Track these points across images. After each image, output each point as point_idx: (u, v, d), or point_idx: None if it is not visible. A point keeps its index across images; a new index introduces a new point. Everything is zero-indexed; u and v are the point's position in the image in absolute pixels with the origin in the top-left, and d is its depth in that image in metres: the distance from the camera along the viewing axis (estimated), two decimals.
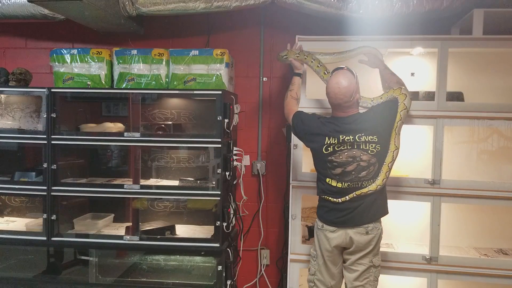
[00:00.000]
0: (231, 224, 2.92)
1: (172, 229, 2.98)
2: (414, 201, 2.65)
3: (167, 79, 2.93)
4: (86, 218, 3.16)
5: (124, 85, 2.92)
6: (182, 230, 3.06)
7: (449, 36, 2.83)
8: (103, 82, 2.94)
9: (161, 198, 3.15)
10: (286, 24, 3.24)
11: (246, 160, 3.31)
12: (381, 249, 2.53)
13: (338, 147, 2.15)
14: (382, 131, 2.15)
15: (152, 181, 3.12)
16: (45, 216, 2.87)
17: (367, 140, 2.12)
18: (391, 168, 2.19)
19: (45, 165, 2.85)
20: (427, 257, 2.60)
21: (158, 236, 2.89)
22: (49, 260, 3.07)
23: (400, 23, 2.85)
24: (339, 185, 2.18)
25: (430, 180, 2.58)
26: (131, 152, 2.97)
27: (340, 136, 2.14)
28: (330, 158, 2.17)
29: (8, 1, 3.00)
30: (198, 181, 3.02)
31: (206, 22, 3.30)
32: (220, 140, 2.75)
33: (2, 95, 3.16)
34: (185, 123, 3.19)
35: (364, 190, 2.15)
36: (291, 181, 2.72)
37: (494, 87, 2.87)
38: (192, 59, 2.87)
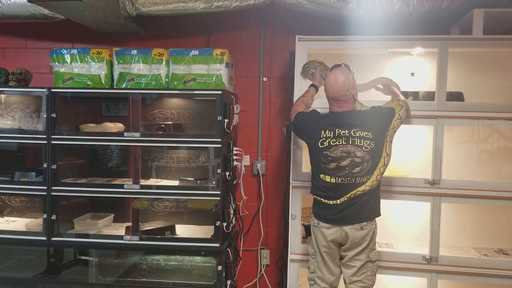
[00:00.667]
0: (231, 224, 2.92)
1: (172, 229, 2.98)
2: (414, 201, 2.65)
3: (167, 79, 2.93)
4: (86, 218, 3.16)
5: (124, 85, 2.92)
6: (182, 230, 3.06)
7: (449, 36, 2.83)
8: (103, 82, 2.94)
9: (161, 198, 3.15)
10: (286, 24, 3.24)
11: (246, 160, 3.31)
12: (381, 249, 2.54)
13: (333, 142, 2.21)
14: (377, 129, 2.21)
15: (152, 181, 3.12)
16: (45, 216, 2.87)
17: (361, 135, 2.18)
18: (383, 172, 2.23)
19: (45, 165, 2.85)
20: (427, 257, 2.60)
21: (158, 236, 2.89)
22: (49, 260, 3.07)
23: (400, 23, 2.84)
24: (333, 180, 2.21)
25: (430, 180, 2.58)
26: (131, 152, 2.97)
27: (336, 129, 2.21)
28: (325, 152, 2.22)
29: (8, 1, 3.00)
30: (198, 181, 3.02)
31: (206, 22, 3.30)
32: (220, 140, 2.75)
33: (2, 95, 3.16)
34: (185, 123, 3.19)
35: (353, 192, 2.19)
36: (291, 181, 2.72)
37: (494, 87, 2.87)
38: (192, 59, 2.87)
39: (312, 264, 2.39)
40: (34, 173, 3.01)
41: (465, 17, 2.73)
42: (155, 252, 3.01)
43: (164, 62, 2.90)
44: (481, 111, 2.56)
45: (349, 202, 2.21)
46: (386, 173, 2.67)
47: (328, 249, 2.29)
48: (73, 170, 3.11)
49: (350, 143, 2.19)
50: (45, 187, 2.86)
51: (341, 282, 2.37)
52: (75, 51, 2.95)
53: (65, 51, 2.96)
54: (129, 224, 2.98)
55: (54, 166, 2.85)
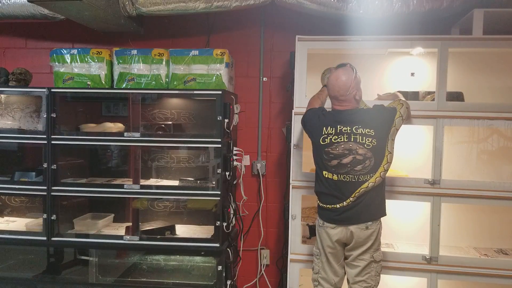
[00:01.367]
0: (231, 224, 2.92)
1: (172, 229, 2.98)
2: (414, 201, 2.65)
3: (167, 79, 2.93)
4: (86, 218, 3.16)
5: (124, 85, 2.92)
6: (182, 230, 3.06)
7: (449, 36, 2.82)
8: (103, 82, 2.94)
9: (161, 198, 3.15)
10: (286, 24, 3.24)
11: (246, 160, 3.31)
12: (381, 249, 2.53)
13: (335, 139, 2.21)
14: (379, 126, 2.21)
15: (152, 181, 3.11)
16: (45, 216, 2.87)
17: (363, 132, 2.18)
18: (387, 169, 2.23)
19: (45, 165, 2.85)
20: (427, 257, 2.60)
21: (158, 236, 2.89)
22: (49, 260, 3.07)
23: (400, 23, 2.84)
24: (335, 177, 2.22)
25: (430, 180, 2.58)
26: (131, 152, 2.97)
27: (338, 126, 2.22)
28: (327, 149, 2.23)
29: (8, 1, 3.00)
30: (198, 181, 3.02)
31: (206, 22, 3.30)
32: (220, 140, 2.75)
33: (2, 95, 3.16)
34: (185, 123, 3.19)
35: (358, 191, 2.19)
36: (291, 181, 2.72)
37: (494, 87, 2.87)
38: (192, 59, 2.87)
39: (316, 264, 2.39)
40: (34, 173, 3.01)
41: (465, 17, 2.72)
42: (155, 252, 3.01)
43: (164, 62, 2.90)
44: (481, 111, 2.56)
45: (354, 202, 2.21)
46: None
47: (333, 249, 2.28)
48: (73, 170, 3.11)
49: (352, 140, 2.19)
50: (45, 187, 2.86)
51: (345, 282, 2.37)
52: (75, 51, 2.95)
53: (65, 51, 2.96)
54: (129, 224, 2.98)
55: (54, 166, 2.85)
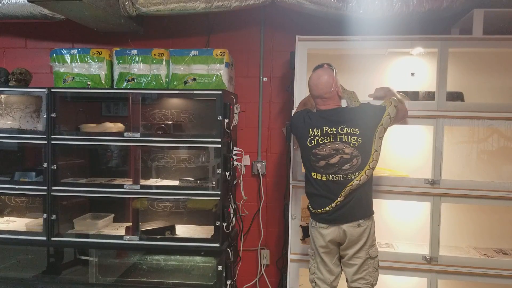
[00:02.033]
0: (231, 224, 2.92)
1: (172, 229, 2.97)
2: (414, 201, 2.65)
3: (167, 79, 2.93)
4: (86, 218, 3.16)
5: (124, 85, 2.92)
6: (182, 230, 3.06)
7: (449, 36, 2.82)
8: (103, 82, 2.94)
9: (161, 198, 3.15)
10: (286, 24, 3.24)
11: (246, 160, 3.31)
12: (381, 249, 2.54)
13: (321, 140, 2.23)
14: (364, 125, 2.22)
15: (152, 181, 3.11)
16: (45, 216, 2.87)
17: (349, 132, 2.20)
18: (373, 167, 2.22)
19: (45, 165, 2.85)
20: (427, 257, 2.60)
21: (158, 236, 2.88)
22: (49, 260, 3.07)
23: (400, 23, 2.84)
24: (324, 178, 2.23)
25: (430, 180, 2.58)
26: (131, 152, 2.97)
27: (324, 127, 2.23)
28: (314, 151, 2.25)
29: (8, 1, 3.00)
30: (198, 181, 3.02)
31: (206, 22, 3.30)
32: (220, 140, 2.75)
33: (2, 95, 3.16)
34: (185, 123, 3.19)
35: (345, 189, 2.19)
36: (291, 181, 2.72)
37: (494, 87, 2.87)
38: (192, 59, 2.87)
39: (312, 265, 2.39)
40: (34, 173, 3.01)
41: (465, 17, 2.72)
42: (155, 252, 3.01)
43: (164, 62, 2.90)
44: (481, 111, 2.56)
45: (343, 202, 2.22)
46: (386, 173, 2.68)
47: (326, 249, 2.29)
48: (73, 170, 3.11)
49: (338, 140, 2.21)
50: (45, 187, 2.86)
51: (344, 282, 2.37)
52: (75, 51, 2.95)
53: (65, 51, 2.96)
54: (129, 224, 2.98)
55: (54, 166, 2.85)
